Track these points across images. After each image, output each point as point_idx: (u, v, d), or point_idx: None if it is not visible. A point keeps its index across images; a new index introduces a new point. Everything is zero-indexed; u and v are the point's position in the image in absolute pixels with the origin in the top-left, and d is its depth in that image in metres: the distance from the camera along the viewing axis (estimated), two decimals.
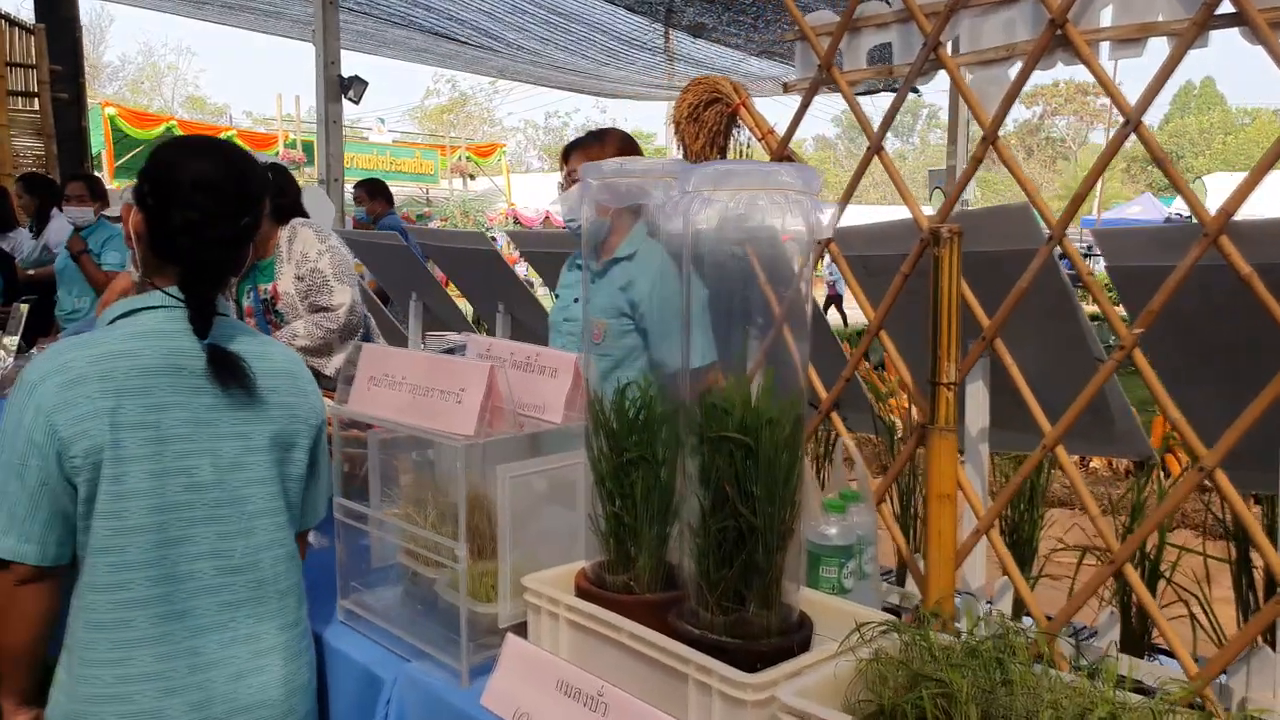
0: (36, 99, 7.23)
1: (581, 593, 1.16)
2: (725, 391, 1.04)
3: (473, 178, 21.56)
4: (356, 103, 8.17)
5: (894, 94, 1.92)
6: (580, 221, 2.21)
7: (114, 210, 4.20)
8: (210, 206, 1.24)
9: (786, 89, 2.16)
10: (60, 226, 5.22)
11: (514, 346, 1.39)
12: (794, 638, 1.02)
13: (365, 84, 8.15)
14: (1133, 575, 1.41)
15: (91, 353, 1.17)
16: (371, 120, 20.71)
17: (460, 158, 21.06)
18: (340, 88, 8.06)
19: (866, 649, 0.96)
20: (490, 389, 1.17)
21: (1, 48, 7.03)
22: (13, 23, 7.16)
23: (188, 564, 1.19)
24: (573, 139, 2.26)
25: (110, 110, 16.19)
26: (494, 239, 4.84)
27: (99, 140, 14.68)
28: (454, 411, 1.20)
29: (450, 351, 2.23)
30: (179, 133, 14.92)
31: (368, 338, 2.75)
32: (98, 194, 4.75)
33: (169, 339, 1.20)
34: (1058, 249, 1.55)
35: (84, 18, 8.34)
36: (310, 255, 2.55)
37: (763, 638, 1.01)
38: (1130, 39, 1.49)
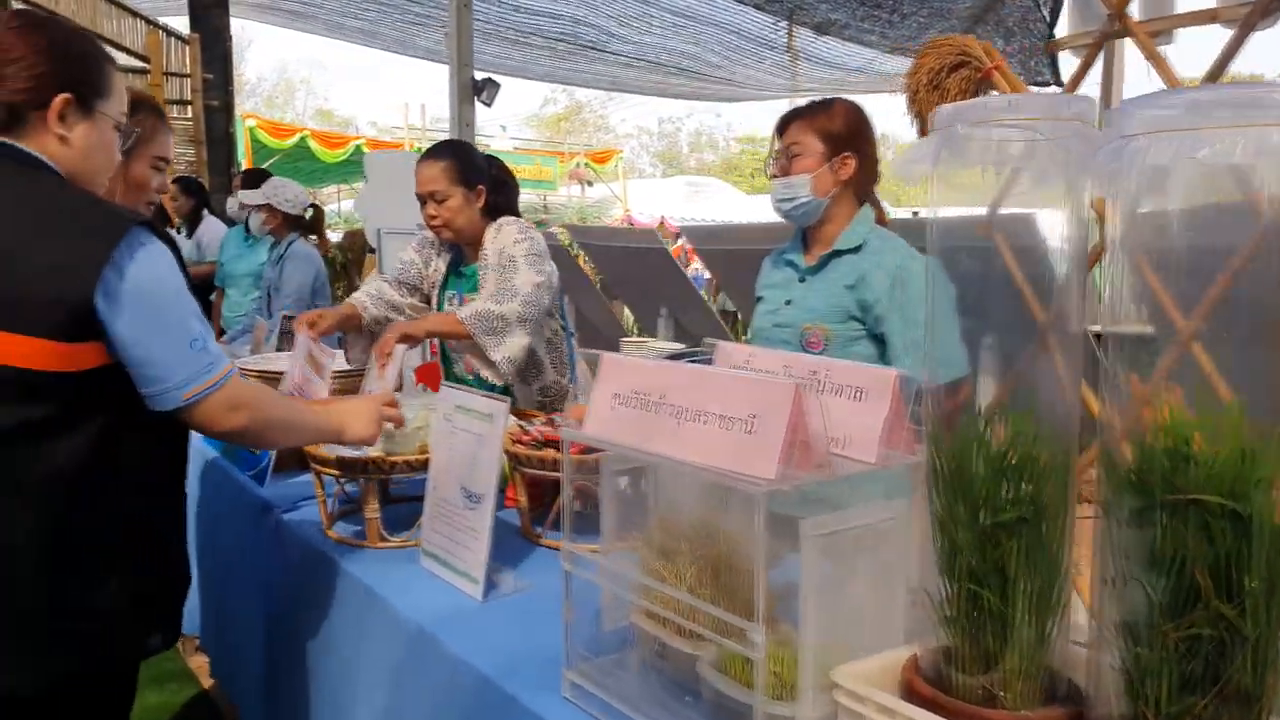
0: (190, 106, 7.46)
1: (921, 699, 0.85)
2: (1177, 428, 0.71)
3: (590, 184, 21.60)
4: (489, 105, 8.11)
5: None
6: (803, 201, 1.93)
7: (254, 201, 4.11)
8: None
9: (1051, 47, 1.80)
10: (211, 227, 5.26)
11: (786, 357, 1.09)
12: None
13: (498, 86, 8.08)
14: None
15: None
16: (494, 127, 21.03)
17: (578, 164, 21.12)
18: (473, 91, 8.03)
19: None
20: (796, 416, 0.88)
21: (159, 59, 7.28)
22: (170, 34, 7.41)
23: None
24: (790, 109, 1.94)
25: (250, 122, 16.93)
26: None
27: (240, 149, 15.33)
28: (742, 445, 0.91)
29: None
30: (312, 143, 15.47)
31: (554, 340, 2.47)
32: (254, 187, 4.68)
33: None
34: None
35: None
36: (508, 246, 2.31)
37: None
38: None
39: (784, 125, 1.89)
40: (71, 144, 1.33)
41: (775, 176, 1.88)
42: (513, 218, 2.40)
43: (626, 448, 1.02)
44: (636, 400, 1.04)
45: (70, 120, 1.32)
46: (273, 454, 2.03)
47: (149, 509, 1.36)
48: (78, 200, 1.30)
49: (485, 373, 2.31)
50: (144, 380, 1.27)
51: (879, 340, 1.80)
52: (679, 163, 41.34)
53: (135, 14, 7.25)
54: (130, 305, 1.23)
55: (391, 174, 5.71)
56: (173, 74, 7.40)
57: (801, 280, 1.91)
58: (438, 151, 2.36)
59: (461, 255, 2.49)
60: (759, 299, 2.02)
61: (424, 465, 1.64)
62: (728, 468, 0.91)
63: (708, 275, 8.86)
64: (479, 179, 2.36)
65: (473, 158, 2.39)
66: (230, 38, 7.95)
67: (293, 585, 1.81)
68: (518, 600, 1.45)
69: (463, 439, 1.53)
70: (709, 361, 1.28)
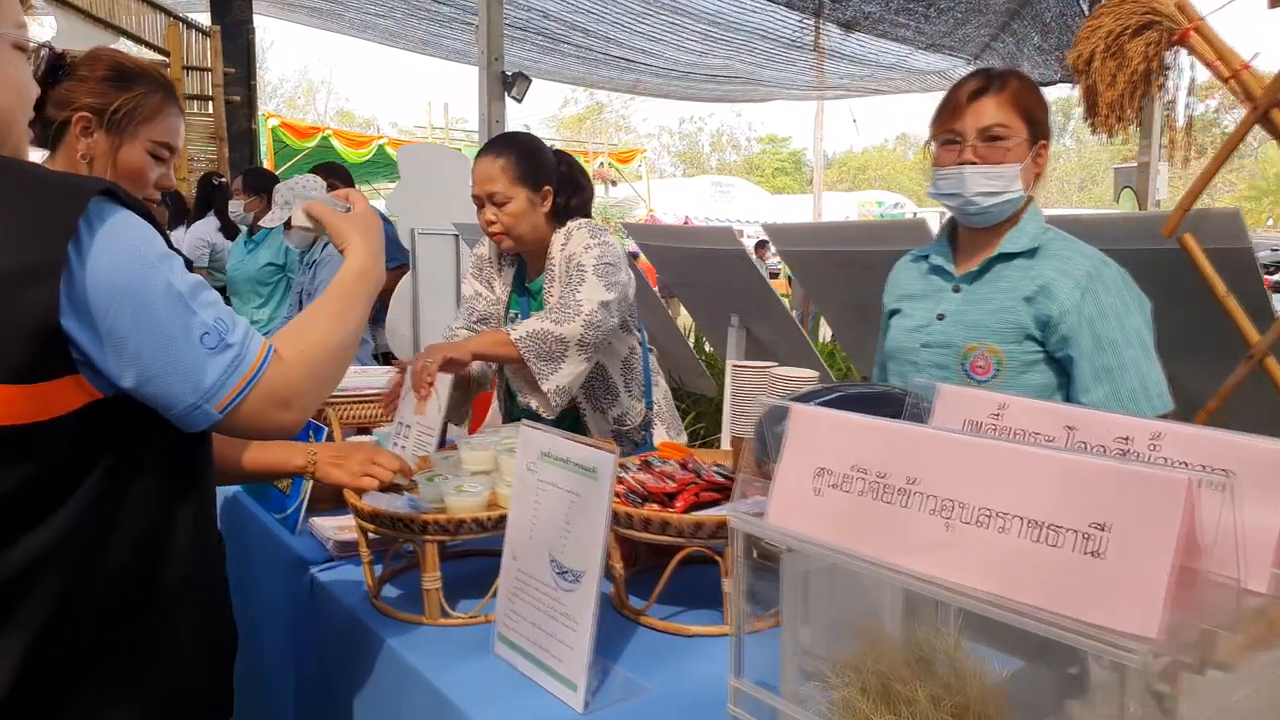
0: (211, 102, 7.19)
1: None
2: None
3: (614, 184, 21.33)
4: (520, 102, 7.80)
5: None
6: (1012, 197, 1.44)
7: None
8: None
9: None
10: (194, 231, 4.96)
11: (1069, 414, 0.75)
12: None
13: (529, 81, 7.77)
14: None
15: None
16: (517, 126, 20.80)
17: (602, 164, 20.84)
18: (503, 86, 7.71)
19: None
20: (1188, 532, 0.53)
21: (179, 52, 7.02)
22: (190, 26, 7.15)
23: None
24: (969, 81, 1.53)
25: (273, 121, 16.74)
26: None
27: (262, 148, 15.13)
28: (1079, 572, 0.56)
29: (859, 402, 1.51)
30: (335, 142, 15.28)
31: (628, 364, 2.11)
32: (254, 187, 4.34)
33: None
34: None
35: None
36: (577, 253, 1.95)
37: None
38: None
39: (971, 98, 1.51)
40: None
41: (959, 163, 1.52)
42: (584, 220, 2.06)
43: (856, 558, 0.68)
44: (862, 481, 0.69)
45: None
46: (305, 495, 1.70)
47: (186, 568, 1.04)
48: (6, 176, 0.90)
49: (534, 402, 1.96)
50: (157, 402, 0.95)
51: (1058, 364, 1.45)
52: (700, 162, 40.93)
53: (155, 5, 6.98)
54: (112, 312, 0.89)
55: (427, 170, 5.41)
56: (193, 68, 7.13)
57: (956, 290, 1.56)
58: (498, 146, 2.00)
59: (524, 268, 2.14)
60: (893, 312, 1.67)
61: (497, 524, 1.31)
62: (1054, 608, 0.57)
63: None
64: (546, 178, 2.01)
65: (539, 154, 2.03)
66: (253, 30, 7.68)
67: (330, 661, 1.49)
68: (628, 710, 1.11)
69: (552, 497, 1.19)
70: (881, 404, 0.94)
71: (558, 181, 2.03)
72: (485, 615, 1.33)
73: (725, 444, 3.11)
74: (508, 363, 1.89)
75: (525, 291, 2.12)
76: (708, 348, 4.25)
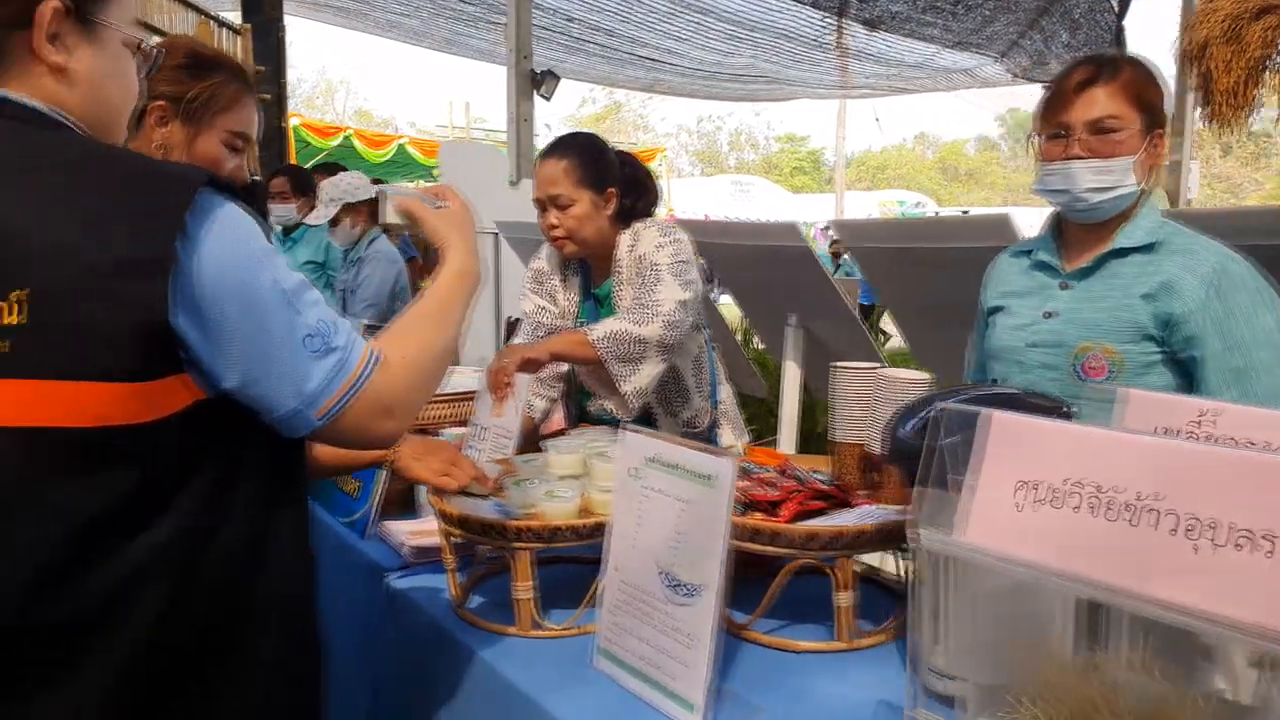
0: None
1: None
2: None
3: None
4: (549, 99, 7.76)
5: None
6: (1126, 192, 1.36)
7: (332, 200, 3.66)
8: None
9: None
10: None
11: None
12: None
13: (558, 79, 7.73)
14: None
15: None
16: (538, 126, 20.76)
17: None
18: (532, 84, 7.66)
19: None
20: None
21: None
22: (221, 24, 7.14)
23: None
24: (1078, 69, 1.44)
25: (294, 121, 16.80)
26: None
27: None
28: None
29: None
30: (356, 142, 15.31)
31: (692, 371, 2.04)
32: (302, 188, 4.31)
33: None
34: None
35: None
36: (648, 253, 1.88)
37: None
38: None
39: (1079, 89, 1.43)
40: (74, 76, 0.90)
41: (1065, 158, 1.44)
42: (650, 219, 2.00)
43: (1091, 585, 0.61)
44: (1077, 496, 0.63)
45: (67, 40, 0.90)
46: (378, 498, 1.65)
47: (279, 583, 0.98)
48: (111, 164, 0.87)
49: (610, 405, 1.90)
50: (258, 405, 0.90)
51: (1179, 366, 1.38)
52: (718, 162, 40.84)
53: (187, 4, 6.98)
54: (219, 309, 0.84)
55: (469, 168, 5.37)
56: None
57: (1064, 287, 1.49)
58: (560, 148, 1.94)
59: (589, 275, 2.08)
60: (994, 309, 1.59)
61: (594, 531, 1.25)
62: None
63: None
64: (610, 180, 1.94)
65: (603, 154, 1.97)
66: (284, 29, 7.66)
67: (411, 673, 1.43)
68: None
69: (661, 505, 1.13)
70: (1012, 406, 0.87)
71: (622, 183, 1.97)
72: (580, 627, 1.27)
73: (783, 446, 3.05)
74: (585, 364, 1.83)
75: (593, 298, 2.05)
76: (757, 345, 4.16)
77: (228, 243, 0.85)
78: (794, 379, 2.69)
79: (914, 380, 1.26)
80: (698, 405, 2.03)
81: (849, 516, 1.24)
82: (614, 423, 1.91)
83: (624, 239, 1.95)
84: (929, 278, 2.31)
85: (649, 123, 38.60)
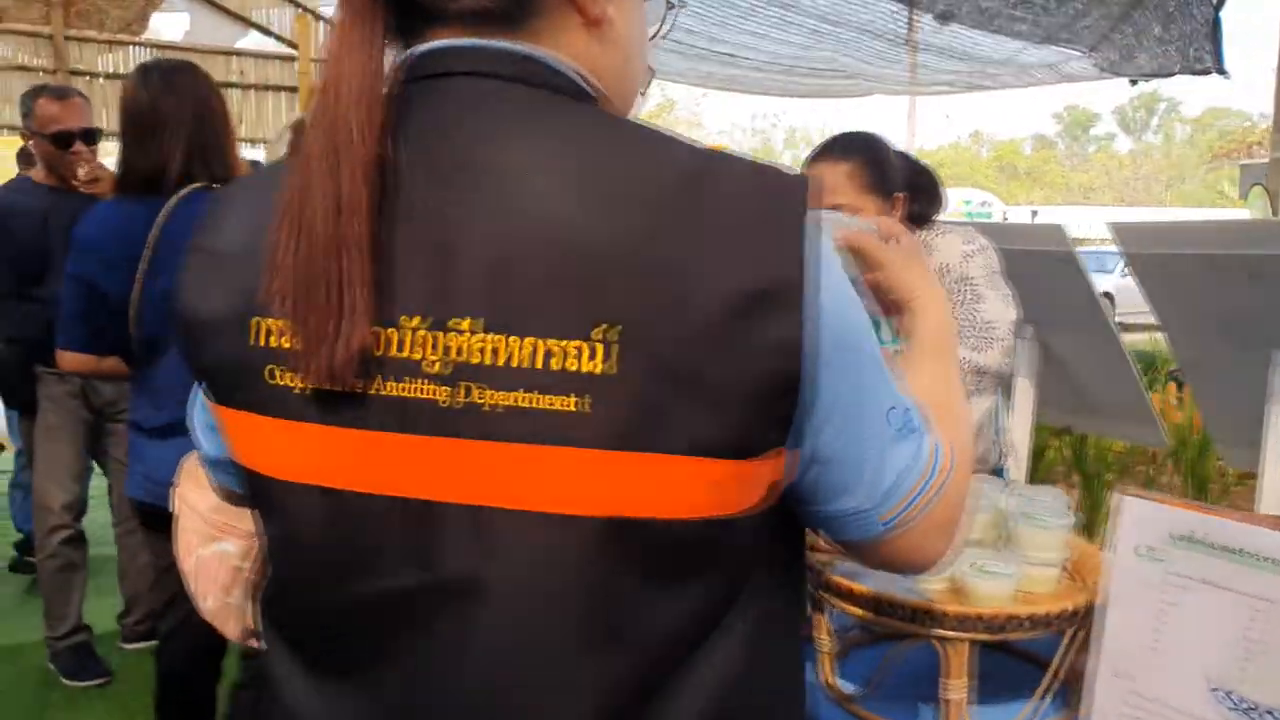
0: None
1: None
2: None
3: None
4: None
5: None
6: None
7: None
8: None
9: None
10: None
11: None
12: None
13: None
14: None
15: None
16: None
17: None
18: None
19: None
20: None
21: (308, 45, 6.91)
22: (319, 18, 7.05)
23: None
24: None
25: None
26: None
27: None
28: None
29: None
30: None
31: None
32: None
33: None
34: None
35: None
36: (954, 264, 1.66)
37: None
38: None
39: None
40: (610, 33, 0.66)
41: None
42: (942, 224, 1.74)
43: None
44: None
45: None
46: None
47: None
48: (674, 158, 0.59)
49: None
50: (819, 492, 0.64)
51: None
52: (773, 160, 40.55)
53: None
54: (827, 365, 0.59)
55: None
56: (323, 60, 7.04)
57: None
58: (842, 149, 1.71)
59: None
60: None
61: (1060, 620, 0.99)
62: None
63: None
64: (896, 185, 1.71)
65: (888, 155, 1.74)
66: None
67: None
68: None
69: (1204, 600, 0.87)
70: None
71: (909, 189, 1.72)
72: None
73: (1011, 474, 2.77)
74: None
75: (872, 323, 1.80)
76: None
77: (837, 275, 0.60)
78: (1027, 398, 2.41)
79: None
80: (989, 438, 1.77)
81: None
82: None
83: None
84: (1213, 289, 2.03)
85: (703, 120, 38.30)
